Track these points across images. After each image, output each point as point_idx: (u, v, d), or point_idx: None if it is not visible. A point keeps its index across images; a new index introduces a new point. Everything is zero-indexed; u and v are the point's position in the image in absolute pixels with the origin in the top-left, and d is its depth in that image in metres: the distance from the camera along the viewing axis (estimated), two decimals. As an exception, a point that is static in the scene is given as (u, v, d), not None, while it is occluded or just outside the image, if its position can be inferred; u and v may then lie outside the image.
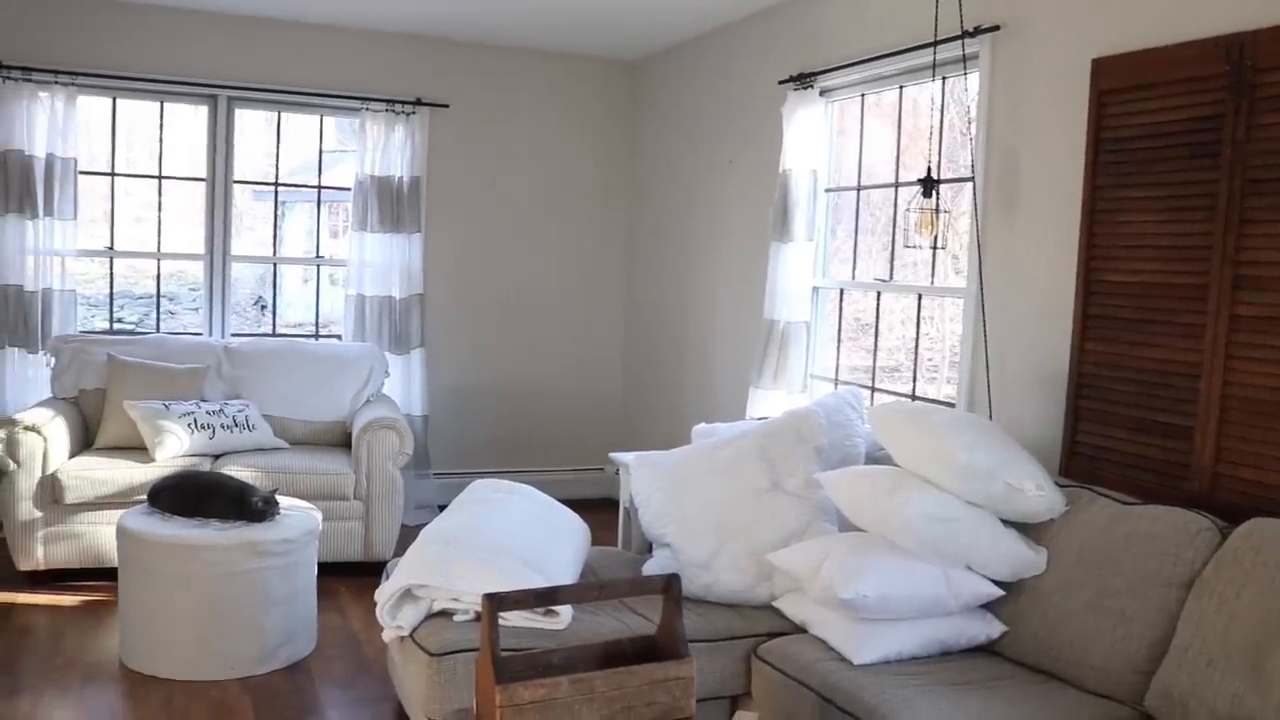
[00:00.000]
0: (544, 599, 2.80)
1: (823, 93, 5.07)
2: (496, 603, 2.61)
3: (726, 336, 5.93)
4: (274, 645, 4.14)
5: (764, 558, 3.59)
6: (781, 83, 5.22)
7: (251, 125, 7.05)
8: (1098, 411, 3.60)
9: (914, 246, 4.21)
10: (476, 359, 6.87)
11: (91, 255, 6.30)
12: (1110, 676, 2.92)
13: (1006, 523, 3.30)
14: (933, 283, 4.73)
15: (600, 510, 5.72)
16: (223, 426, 5.27)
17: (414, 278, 6.46)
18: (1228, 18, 3.17)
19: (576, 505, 4.31)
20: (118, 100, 6.08)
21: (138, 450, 5.16)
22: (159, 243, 6.38)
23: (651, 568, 3.77)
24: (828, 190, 5.19)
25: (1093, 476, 3.55)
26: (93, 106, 6.09)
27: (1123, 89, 3.50)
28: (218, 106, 6.20)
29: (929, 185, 4.05)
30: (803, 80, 5.06)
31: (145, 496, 4.40)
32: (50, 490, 4.92)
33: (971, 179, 4.16)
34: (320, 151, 6.67)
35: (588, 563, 3.95)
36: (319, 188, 6.78)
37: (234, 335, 6.37)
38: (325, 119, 6.61)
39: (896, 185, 4.81)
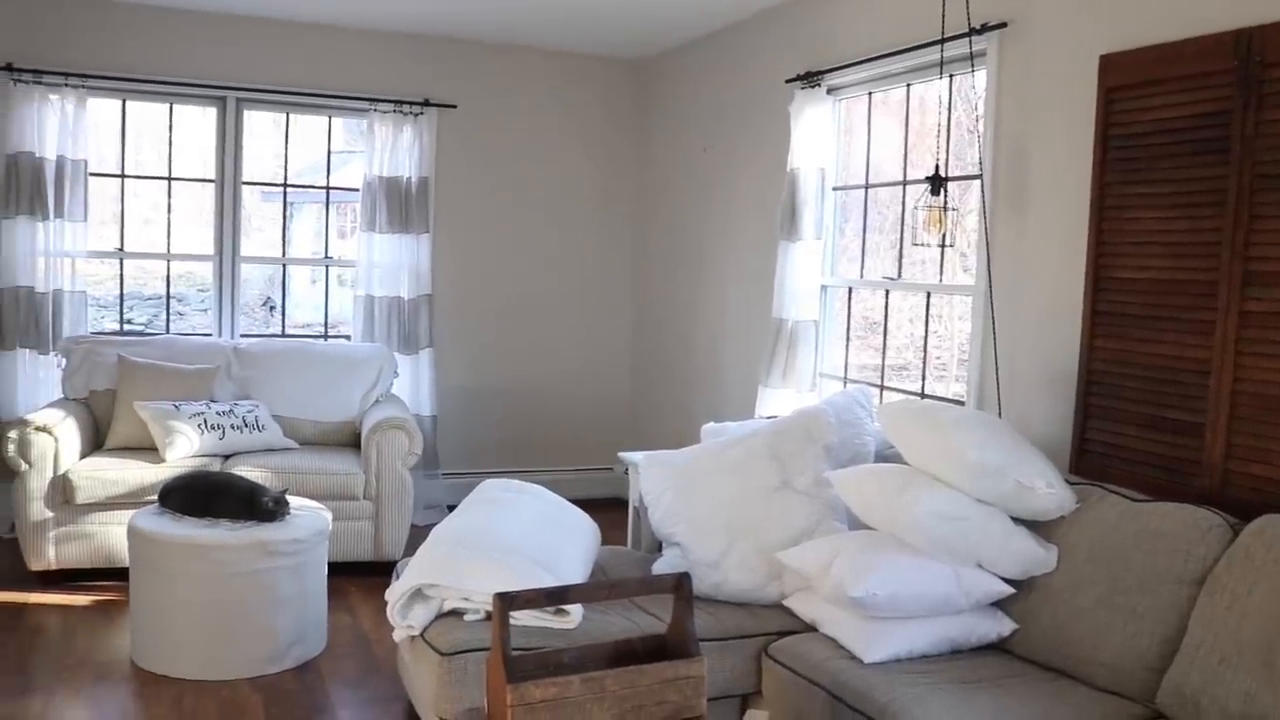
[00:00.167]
0: (555, 598, 2.80)
1: (830, 91, 5.07)
2: (507, 602, 2.61)
3: (735, 335, 5.92)
4: (284, 645, 4.15)
5: (774, 556, 3.59)
6: (789, 81, 5.22)
7: (260, 126, 7.08)
8: (1107, 408, 3.59)
9: (922, 244, 4.20)
10: (485, 359, 6.88)
11: (101, 256, 6.33)
12: (1121, 674, 2.92)
13: (1016, 520, 3.30)
14: (941, 281, 4.73)
15: (609, 510, 5.72)
16: (232, 427, 5.28)
17: (422, 278, 6.47)
18: (1236, 13, 3.16)
19: (585, 505, 4.31)
20: (127, 102, 6.10)
21: (148, 451, 5.17)
22: (168, 244, 6.40)
23: (661, 567, 3.77)
24: (836, 189, 5.18)
25: (1103, 474, 3.54)
26: (102, 109, 6.11)
27: (1131, 85, 3.49)
28: (226, 108, 6.22)
29: (937, 183, 4.04)
30: (810, 79, 5.06)
31: (156, 497, 4.41)
32: (61, 490, 4.93)
33: (979, 176, 4.15)
34: (329, 152, 6.68)
35: (597, 562, 3.96)
36: (327, 189, 6.80)
37: (243, 336, 6.39)
38: (333, 120, 6.61)
39: (904, 183, 4.80)
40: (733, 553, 3.67)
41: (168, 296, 6.69)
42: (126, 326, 6.59)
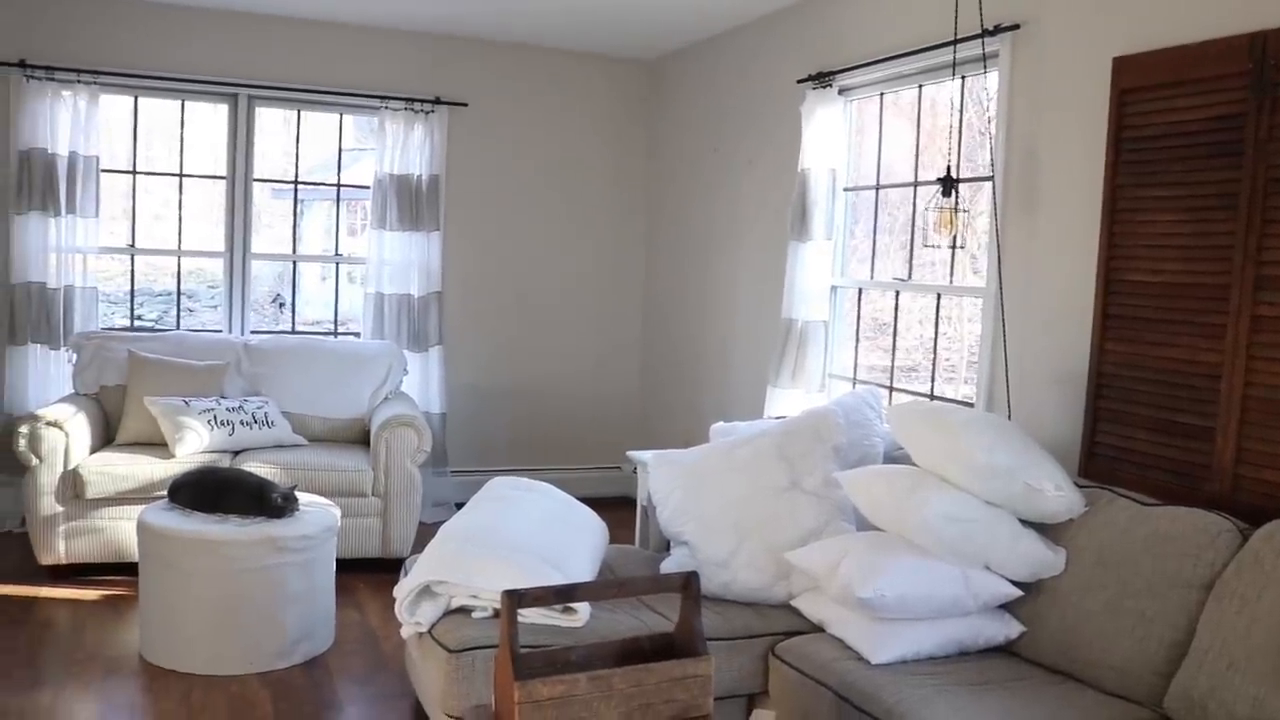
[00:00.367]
0: (563, 596, 2.81)
1: (841, 92, 5.06)
2: (515, 599, 2.62)
3: (745, 335, 5.92)
4: (292, 641, 4.16)
5: (782, 556, 3.59)
6: (800, 82, 5.22)
7: (271, 124, 7.09)
8: (1117, 412, 3.58)
9: (933, 246, 4.20)
10: (494, 357, 6.89)
11: (112, 252, 6.36)
12: (1129, 678, 2.91)
13: (1025, 523, 3.30)
14: (951, 282, 4.72)
15: (617, 508, 5.72)
16: (242, 423, 5.30)
17: (432, 276, 6.48)
18: (1250, 16, 3.15)
19: (594, 503, 4.32)
20: (139, 99, 6.12)
21: (158, 446, 5.19)
22: (179, 240, 6.42)
23: (669, 566, 3.77)
24: (846, 189, 5.18)
25: (1112, 477, 3.53)
26: (114, 105, 6.13)
27: (1144, 88, 3.48)
28: (238, 105, 6.24)
29: (948, 184, 4.04)
30: (821, 79, 5.05)
31: (165, 492, 4.43)
32: (72, 485, 4.95)
33: (991, 178, 4.14)
34: (339, 150, 6.70)
35: (605, 561, 3.96)
36: (338, 186, 6.81)
37: (253, 332, 6.41)
38: (344, 117, 6.64)
39: (915, 184, 4.80)
40: (741, 552, 3.67)
41: (178, 293, 6.71)
42: (137, 322, 6.61)
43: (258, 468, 5.00)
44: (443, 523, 3.84)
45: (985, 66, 4.15)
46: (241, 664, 4.07)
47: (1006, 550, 3.23)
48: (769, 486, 3.78)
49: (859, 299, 5.21)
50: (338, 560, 4.48)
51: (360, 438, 5.80)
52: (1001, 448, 3.30)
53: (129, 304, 6.57)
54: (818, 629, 3.42)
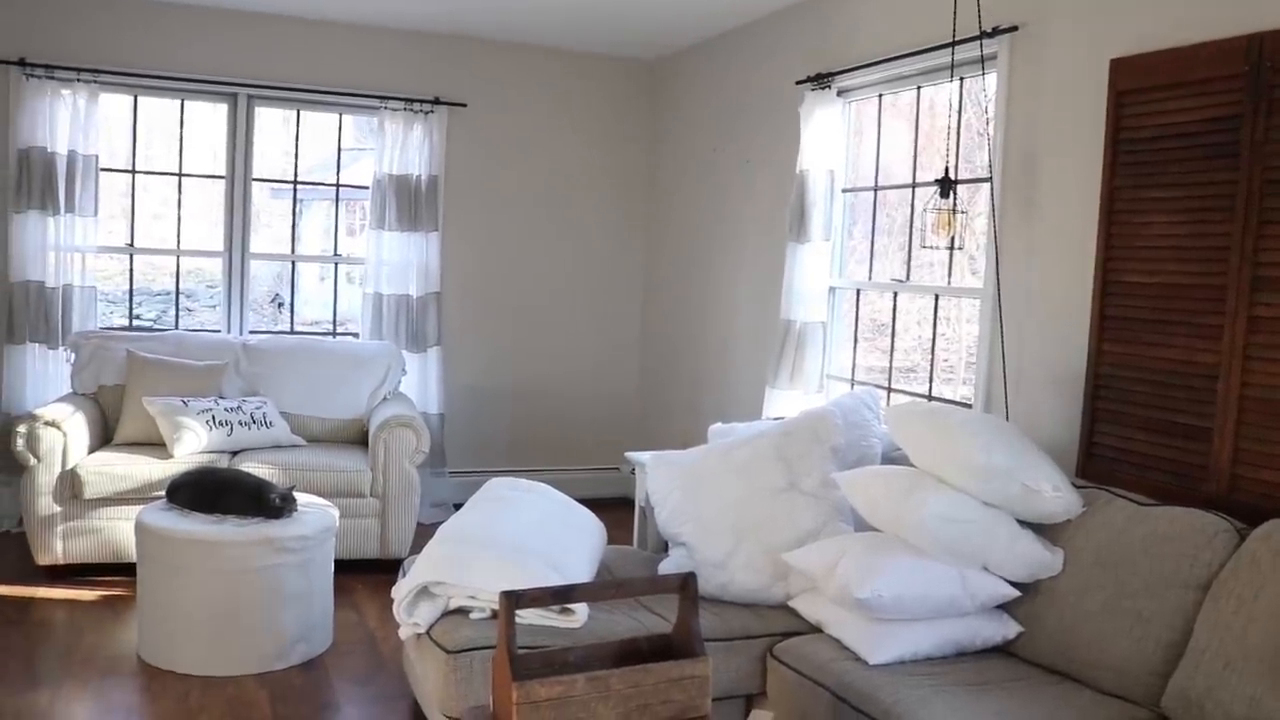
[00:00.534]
0: (561, 597, 2.80)
1: (840, 93, 5.07)
2: (513, 600, 2.62)
3: (743, 336, 5.93)
4: (290, 641, 4.16)
5: (780, 557, 3.59)
6: (799, 83, 5.22)
7: (270, 123, 7.08)
8: (1115, 412, 3.59)
9: (931, 247, 4.20)
10: (493, 357, 6.89)
11: (111, 252, 6.35)
12: (1127, 678, 2.91)
13: (1023, 524, 3.30)
14: (949, 283, 4.72)
15: (616, 509, 5.73)
16: (240, 423, 5.30)
17: (431, 276, 6.49)
18: (1247, 18, 3.16)
19: (592, 504, 4.32)
20: (139, 98, 6.12)
21: (156, 446, 5.19)
22: (178, 240, 6.42)
23: (668, 567, 3.77)
24: (845, 190, 5.18)
25: (1110, 478, 3.54)
26: (114, 104, 6.13)
27: (1141, 89, 3.49)
28: (237, 104, 6.24)
29: (946, 186, 4.04)
30: (820, 80, 5.06)
31: (164, 492, 4.43)
32: (69, 485, 4.95)
33: (989, 179, 4.15)
34: (339, 150, 6.70)
35: (604, 562, 3.96)
36: (337, 186, 6.81)
37: (252, 332, 6.40)
38: (344, 117, 6.64)
39: (914, 185, 4.80)
40: (739, 553, 3.67)
41: (177, 292, 6.71)
42: (135, 322, 6.61)
43: (256, 468, 5.01)
44: (441, 523, 3.84)
45: (984, 68, 4.15)
46: (239, 665, 4.06)
47: (1004, 551, 3.23)
48: (767, 487, 3.79)
49: (857, 300, 5.21)
50: (336, 561, 4.47)
51: (359, 438, 5.80)
52: (999, 448, 3.31)
53: (128, 303, 6.57)
54: (815, 630, 3.42)
